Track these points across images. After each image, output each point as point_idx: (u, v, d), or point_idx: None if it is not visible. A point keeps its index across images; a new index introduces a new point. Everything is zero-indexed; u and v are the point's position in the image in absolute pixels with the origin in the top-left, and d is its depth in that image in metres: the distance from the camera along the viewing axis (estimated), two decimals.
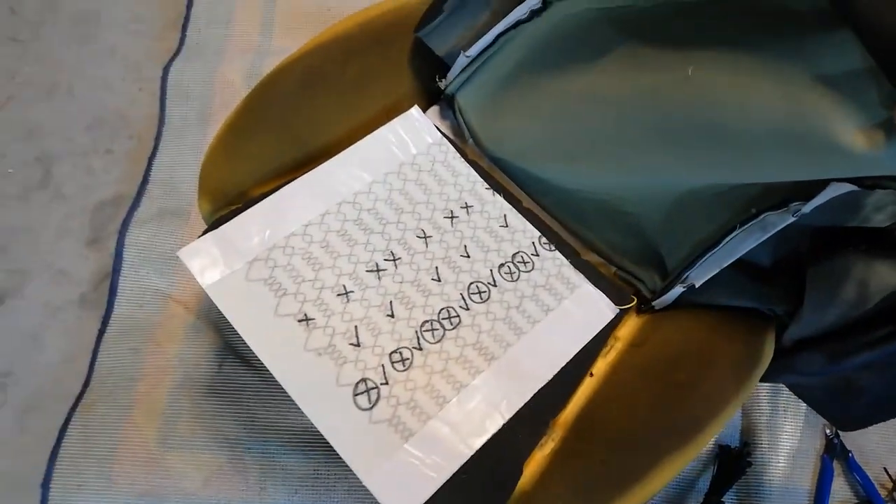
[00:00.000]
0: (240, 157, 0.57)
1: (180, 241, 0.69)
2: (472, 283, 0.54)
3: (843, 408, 0.53)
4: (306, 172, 0.56)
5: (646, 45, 0.50)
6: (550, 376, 0.50)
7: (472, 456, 0.46)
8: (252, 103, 0.57)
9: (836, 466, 0.64)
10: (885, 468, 0.64)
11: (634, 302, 0.55)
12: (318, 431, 0.46)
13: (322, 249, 0.53)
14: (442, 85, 0.60)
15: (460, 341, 0.51)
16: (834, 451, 0.64)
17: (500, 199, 0.59)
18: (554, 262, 0.57)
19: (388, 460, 0.45)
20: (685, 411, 0.48)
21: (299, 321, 0.50)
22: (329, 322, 0.50)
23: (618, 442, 0.48)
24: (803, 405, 0.65)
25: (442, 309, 0.53)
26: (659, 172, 0.52)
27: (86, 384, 0.64)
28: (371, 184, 0.57)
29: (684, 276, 0.52)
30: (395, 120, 0.59)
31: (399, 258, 0.55)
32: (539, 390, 0.50)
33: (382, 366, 0.49)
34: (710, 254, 0.51)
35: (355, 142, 0.58)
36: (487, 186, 0.59)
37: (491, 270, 0.55)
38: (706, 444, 0.47)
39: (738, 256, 0.50)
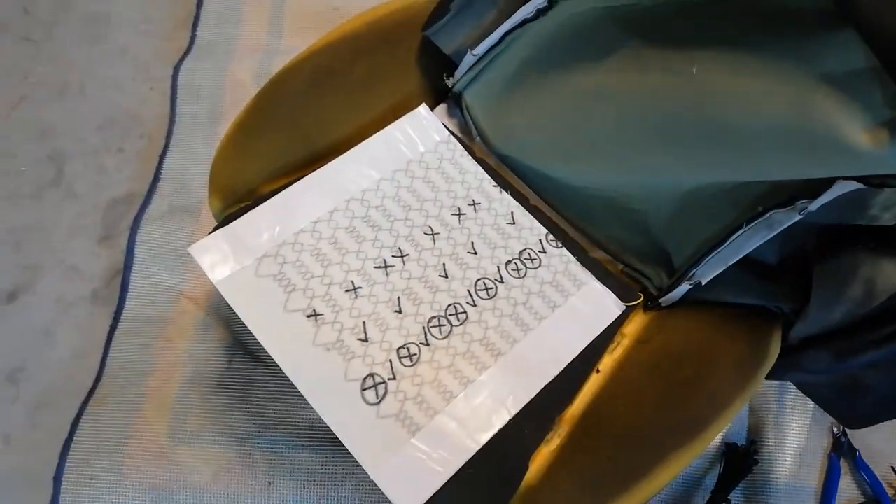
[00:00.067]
0: (249, 155, 0.57)
1: (191, 238, 0.70)
2: (479, 280, 0.55)
3: (850, 406, 0.53)
4: (315, 170, 0.56)
5: (650, 44, 0.50)
6: (557, 372, 0.51)
7: (479, 451, 0.47)
8: (261, 102, 0.58)
9: (844, 465, 0.64)
10: (892, 467, 0.64)
11: (641, 299, 0.56)
12: (326, 426, 0.47)
13: (331, 246, 0.54)
14: (450, 83, 0.61)
15: (467, 337, 0.52)
16: (841, 450, 0.64)
17: (507, 196, 0.59)
18: (561, 259, 0.57)
19: (395, 454, 0.46)
20: (691, 408, 0.48)
21: (308, 317, 0.50)
22: (337, 318, 0.51)
23: (624, 438, 0.48)
24: (811, 403, 0.65)
25: (449, 305, 0.53)
26: (659, 172, 0.53)
27: (97, 379, 0.65)
28: (379, 181, 0.58)
29: (691, 274, 0.52)
30: (404, 118, 0.60)
31: (407, 255, 0.55)
32: (545, 386, 0.50)
33: (390, 361, 0.50)
34: (716, 251, 0.51)
35: (364, 140, 0.58)
36: (495, 184, 0.60)
37: (498, 267, 0.56)
38: (712, 440, 0.47)
39: (744, 254, 0.50)
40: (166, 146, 0.75)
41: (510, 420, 0.48)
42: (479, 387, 0.49)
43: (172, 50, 0.82)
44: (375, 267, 0.54)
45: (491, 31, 0.57)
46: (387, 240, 0.55)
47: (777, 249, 0.52)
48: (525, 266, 0.56)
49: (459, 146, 0.61)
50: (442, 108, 0.64)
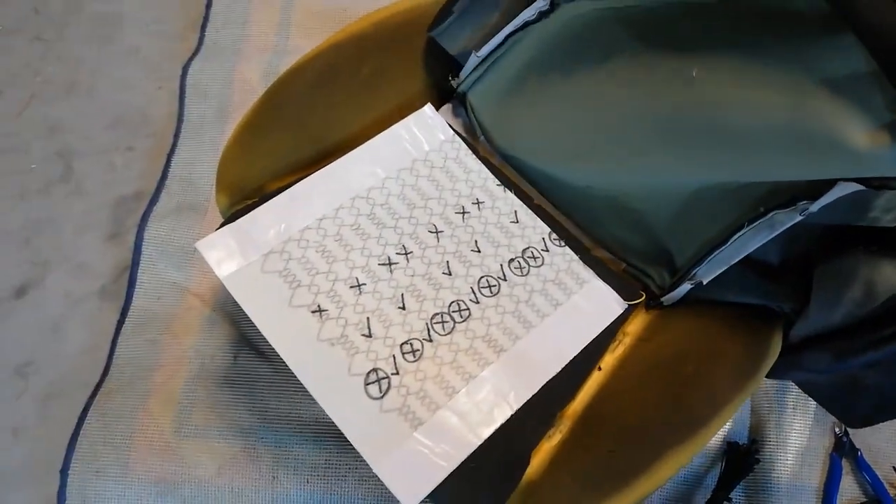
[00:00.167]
0: (256, 153, 0.58)
1: (198, 235, 0.71)
2: (482, 277, 0.55)
3: (850, 406, 0.53)
4: (321, 168, 0.57)
5: (651, 46, 0.51)
6: (558, 369, 0.51)
7: (481, 445, 0.47)
8: (268, 101, 0.58)
9: (845, 465, 0.64)
10: (894, 467, 0.64)
11: (643, 298, 0.56)
12: (329, 422, 0.47)
13: (336, 243, 0.55)
14: (454, 83, 0.61)
15: (470, 333, 0.52)
16: (843, 450, 0.64)
17: (510, 195, 0.60)
18: (564, 258, 0.57)
19: (397, 448, 0.46)
20: (691, 405, 0.48)
21: (313, 312, 0.51)
22: (342, 313, 0.51)
23: (625, 434, 0.48)
24: (812, 403, 0.65)
25: (452, 302, 0.54)
26: (660, 173, 0.53)
27: (104, 374, 0.66)
28: (384, 180, 0.58)
29: (692, 273, 0.53)
30: (409, 117, 0.60)
31: (411, 252, 0.56)
32: (547, 382, 0.50)
33: (393, 356, 0.50)
34: (718, 251, 0.51)
35: (369, 139, 0.59)
36: (498, 183, 0.60)
37: (501, 265, 0.56)
38: (712, 437, 0.48)
39: (745, 254, 0.50)
40: (174, 145, 0.76)
41: (512, 415, 0.49)
42: (481, 382, 0.50)
43: (181, 50, 0.83)
44: (380, 264, 0.55)
45: (494, 33, 0.57)
46: (391, 237, 0.56)
47: (779, 250, 0.52)
48: (528, 264, 0.57)
49: (464, 145, 0.61)
50: (447, 107, 0.64)
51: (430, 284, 0.54)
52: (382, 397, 0.48)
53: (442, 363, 0.51)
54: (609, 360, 0.53)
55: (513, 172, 0.62)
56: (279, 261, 0.53)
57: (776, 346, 0.50)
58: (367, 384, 0.49)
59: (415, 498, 0.45)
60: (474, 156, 0.61)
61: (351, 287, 0.53)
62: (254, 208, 0.54)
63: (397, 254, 0.55)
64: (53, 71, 0.82)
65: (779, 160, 0.45)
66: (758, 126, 0.45)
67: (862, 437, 0.64)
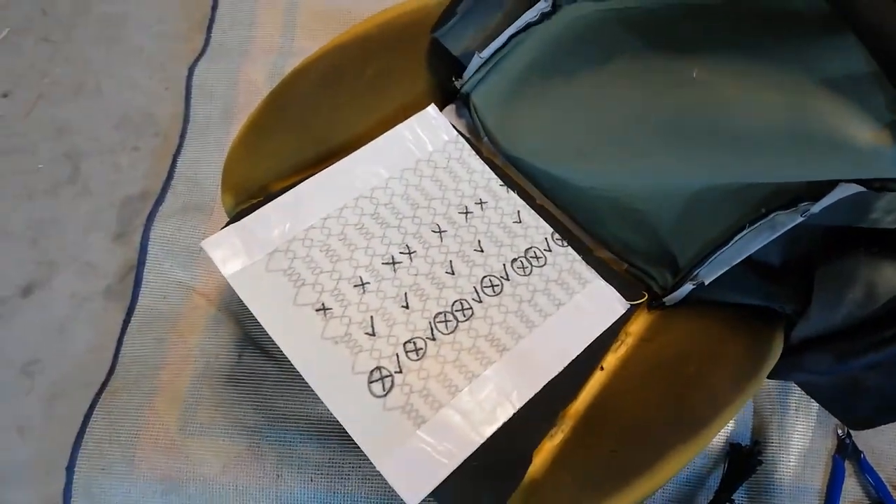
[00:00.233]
0: (261, 153, 0.58)
1: (203, 235, 0.72)
2: (485, 277, 0.56)
3: (851, 407, 0.53)
4: (325, 168, 0.57)
5: (652, 48, 0.51)
6: (561, 368, 0.51)
7: (483, 444, 0.47)
8: (273, 102, 0.59)
9: (848, 467, 0.64)
10: None
11: (645, 298, 0.56)
12: (333, 420, 0.48)
13: (340, 242, 0.55)
14: (458, 84, 0.62)
15: (473, 333, 0.53)
16: (846, 452, 0.64)
17: (514, 195, 0.60)
18: (566, 258, 0.58)
19: (400, 446, 0.47)
20: (693, 405, 0.48)
21: (317, 311, 0.51)
22: (345, 312, 0.52)
23: (626, 434, 0.48)
24: (815, 405, 0.65)
25: (455, 301, 0.54)
26: (662, 174, 0.53)
27: (110, 372, 0.66)
28: (388, 179, 0.59)
29: (694, 274, 0.53)
30: (413, 118, 0.61)
31: (414, 251, 0.56)
32: (550, 382, 0.51)
33: (397, 355, 0.51)
34: (719, 252, 0.52)
35: (373, 139, 0.59)
36: (502, 183, 0.61)
37: (504, 265, 0.57)
38: (713, 437, 0.48)
39: (747, 255, 0.51)
40: (180, 145, 0.77)
41: (514, 414, 0.49)
42: (483, 381, 0.50)
43: (187, 51, 0.83)
44: (383, 263, 0.55)
45: (497, 35, 0.58)
46: (395, 237, 0.56)
47: (780, 251, 0.53)
48: (531, 264, 0.57)
49: (467, 146, 0.62)
50: (451, 108, 0.65)
51: (434, 283, 0.55)
52: (386, 395, 0.49)
53: (445, 362, 0.51)
54: (611, 360, 0.53)
55: (516, 173, 0.62)
56: (284, 259, 0.53)
57: (777, 347, 0.50)
58: (371, 382, 0.49)
59: (417, 496, 0.45)
60: (477, 156, 0.62)
61: (355, 286, 0.53)
62: (259, 208, 0.55)
63: (401, 253, 0.56)
64: (61, 72, 0.83)
65: (779, 161, 0.45)
66: (758, 127, 0.45)
67: (865, 440, 0.64)
